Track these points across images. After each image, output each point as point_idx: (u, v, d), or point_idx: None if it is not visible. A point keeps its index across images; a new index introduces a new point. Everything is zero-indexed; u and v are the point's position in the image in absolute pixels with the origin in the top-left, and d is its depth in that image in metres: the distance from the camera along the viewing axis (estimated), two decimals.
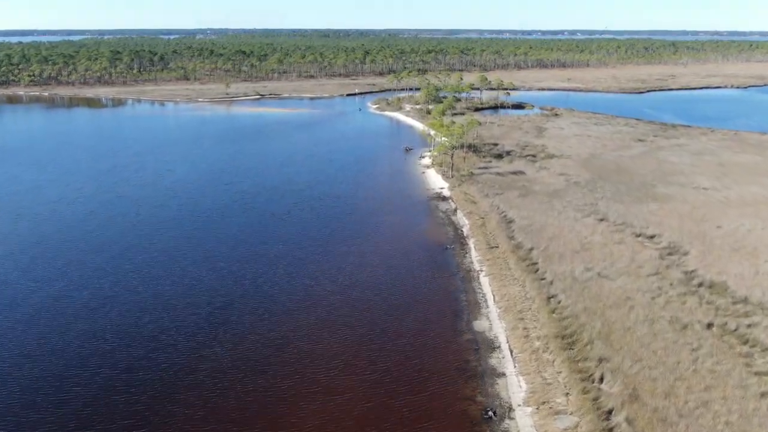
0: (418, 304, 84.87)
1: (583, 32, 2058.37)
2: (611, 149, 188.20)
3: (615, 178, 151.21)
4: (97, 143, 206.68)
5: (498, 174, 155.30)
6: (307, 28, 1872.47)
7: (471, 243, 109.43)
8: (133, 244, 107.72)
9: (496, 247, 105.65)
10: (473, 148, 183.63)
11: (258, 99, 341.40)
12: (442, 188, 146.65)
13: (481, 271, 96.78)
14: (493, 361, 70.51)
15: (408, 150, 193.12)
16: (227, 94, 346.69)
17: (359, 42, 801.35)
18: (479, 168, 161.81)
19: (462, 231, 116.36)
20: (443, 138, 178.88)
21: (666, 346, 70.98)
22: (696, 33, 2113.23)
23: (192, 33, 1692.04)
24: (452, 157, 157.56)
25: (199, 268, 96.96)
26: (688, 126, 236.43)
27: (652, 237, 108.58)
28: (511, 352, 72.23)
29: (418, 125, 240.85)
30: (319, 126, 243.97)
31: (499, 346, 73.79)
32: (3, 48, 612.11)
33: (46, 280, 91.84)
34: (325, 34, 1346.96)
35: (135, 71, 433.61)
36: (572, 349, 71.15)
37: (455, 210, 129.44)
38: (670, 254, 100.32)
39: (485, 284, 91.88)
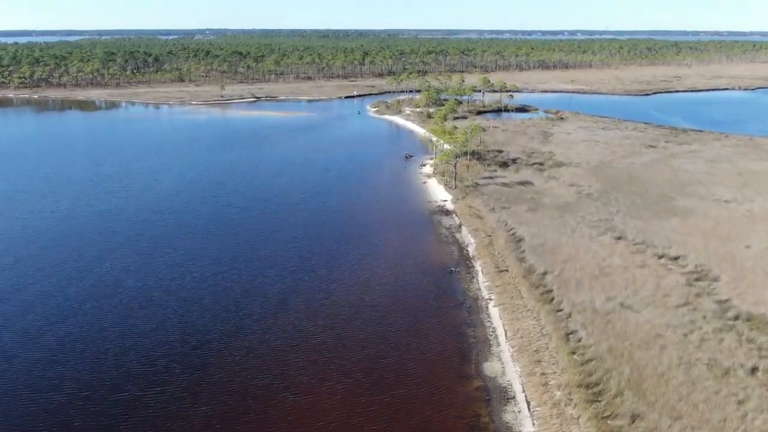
0: (421, 343, 75.16)
1: (583, 32, 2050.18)
2: (622, 156, 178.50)
3: (629, 188, 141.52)
4: (82, 150, 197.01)
5: (504, 185, 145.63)
6: (306, 29, 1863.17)
7: (478, 265, 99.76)
8: (102, 277, 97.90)
9: (506, 270, 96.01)
10: (477, 156, 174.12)
11: (254, 102, 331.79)
12: (444, 201, 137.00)
13: (490, 299, 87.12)
14: (507, 417, 60.93)
15: (408, 157, 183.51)
16: (222, 96, 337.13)
17: (358, 43, 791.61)
18: (484, 178, 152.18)
19: (467, 251, 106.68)
20: (445, 145, 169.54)
21: (707, 398, 61.39)
22: (696, 33, 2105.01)
23: (191, 33, 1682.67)
24: (455, 166, 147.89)
25: (170, 298, 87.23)
26: (700, 131, 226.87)
27: (676, 259, 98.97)
28: (529, 404, 62.63)
29: (419, 130, 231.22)
30: (316, 131, 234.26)
31: (514, 397, 64.19)
32: None
33: None
34: (324, 34, 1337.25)
35: (128, 73, 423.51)
36: (599, 402, 61.58)
37: (459, 226, 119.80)
38: (698, 280, 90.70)
39: (495, 316, 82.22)
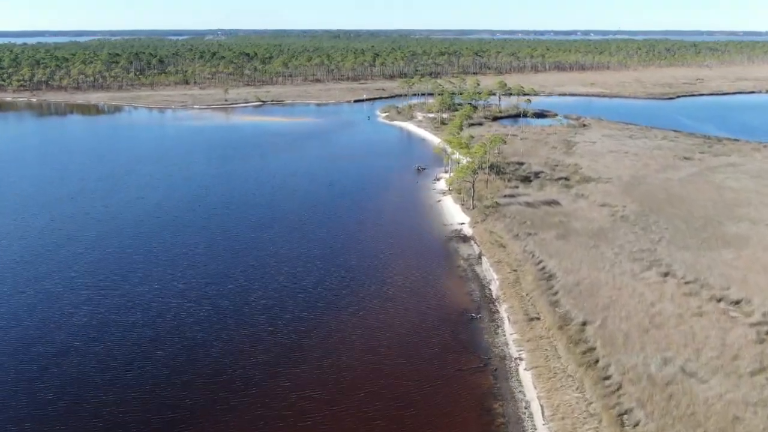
0: (438, 423, 60.18)
1: (596, 32, 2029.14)
2: (655, 170, 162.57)
3: (669, 210, 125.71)
4: (69, 160, 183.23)
5: (528, 204, 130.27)
6: (318, 29, 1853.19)
7: (503, 310, 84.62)
8: (53, 314, 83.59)
9: (537, 318, 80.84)
10: (496, 169, 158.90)
11: (259, 106, 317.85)
12: (462, 224, 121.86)
13: (521, 359, 72.02)
14: None
15: (420, 170, 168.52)
16: (226, 100, 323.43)
17: (369, 43, 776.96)
18: (505, 196, 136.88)
19: (490, 290, 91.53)
20: (461, 156, 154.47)
21: None
22: (711, 33, 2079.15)
23: (203, 34, 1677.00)
24: (473, 184, 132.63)
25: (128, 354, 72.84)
26: (736, 140, 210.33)
27: (737, 302, 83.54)
28: None
29: (432, 138, 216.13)
30: (322, 139, 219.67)
31: None
32: (1, 49, 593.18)
33: None
34: (335, 35, 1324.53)
35: (131, 75, 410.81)
36: None
37: (480, 256, 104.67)
38: None
39: (528, 384, 67.13)
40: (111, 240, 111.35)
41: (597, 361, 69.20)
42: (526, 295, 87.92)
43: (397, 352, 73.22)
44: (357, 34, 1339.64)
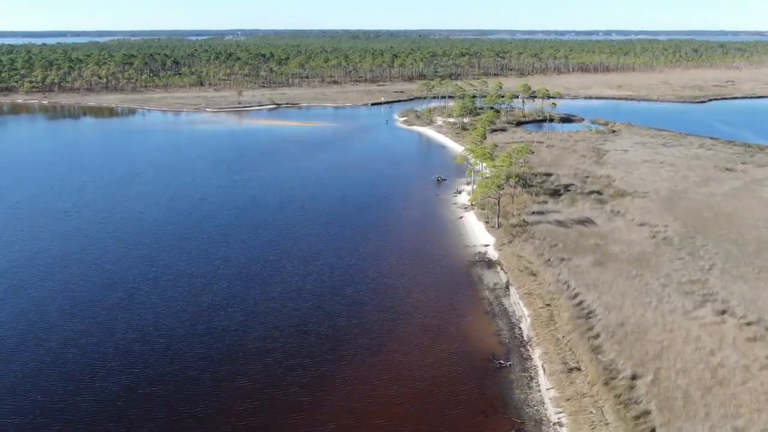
0: None
1: (618, 32, 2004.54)
2: (695, 183, 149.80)
3: (717, 231, 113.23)
4: (70, 169, 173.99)
5: (558, 223, 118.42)
6: (338, 29, 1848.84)
7: (537, 356, 73.15)
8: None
9: (578, 369, 69.30)
10: (522, 180, 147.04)
11: (273, 109, 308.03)
12: (486, 246, 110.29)
13: (560, 425, 60.55)
14: None
15: (440, 181, 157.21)
16: (239, 103, 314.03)
17: (388, 44, 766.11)
18: (533, 213, 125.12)
19: (520, 329, 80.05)
20: (484, 166, 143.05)
21: None
22: (737, 33, 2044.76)
23: (222, 34, 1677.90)
24: (499, 200, 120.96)
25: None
26: None
27: None
28: None
29: (452, 145, 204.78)
30: (337, 145, 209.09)
31: None
32: (19, 50, 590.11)
33: None
34: (355, 35, 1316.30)
35: (144, 77, 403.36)
36: None
37: (507, 286, 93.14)
38: None
39: None
40: (91, 269, 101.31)
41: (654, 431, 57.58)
42: (563, 337, 76.30)
43: (415, 412, 62.05)
44: (376, 35, 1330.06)
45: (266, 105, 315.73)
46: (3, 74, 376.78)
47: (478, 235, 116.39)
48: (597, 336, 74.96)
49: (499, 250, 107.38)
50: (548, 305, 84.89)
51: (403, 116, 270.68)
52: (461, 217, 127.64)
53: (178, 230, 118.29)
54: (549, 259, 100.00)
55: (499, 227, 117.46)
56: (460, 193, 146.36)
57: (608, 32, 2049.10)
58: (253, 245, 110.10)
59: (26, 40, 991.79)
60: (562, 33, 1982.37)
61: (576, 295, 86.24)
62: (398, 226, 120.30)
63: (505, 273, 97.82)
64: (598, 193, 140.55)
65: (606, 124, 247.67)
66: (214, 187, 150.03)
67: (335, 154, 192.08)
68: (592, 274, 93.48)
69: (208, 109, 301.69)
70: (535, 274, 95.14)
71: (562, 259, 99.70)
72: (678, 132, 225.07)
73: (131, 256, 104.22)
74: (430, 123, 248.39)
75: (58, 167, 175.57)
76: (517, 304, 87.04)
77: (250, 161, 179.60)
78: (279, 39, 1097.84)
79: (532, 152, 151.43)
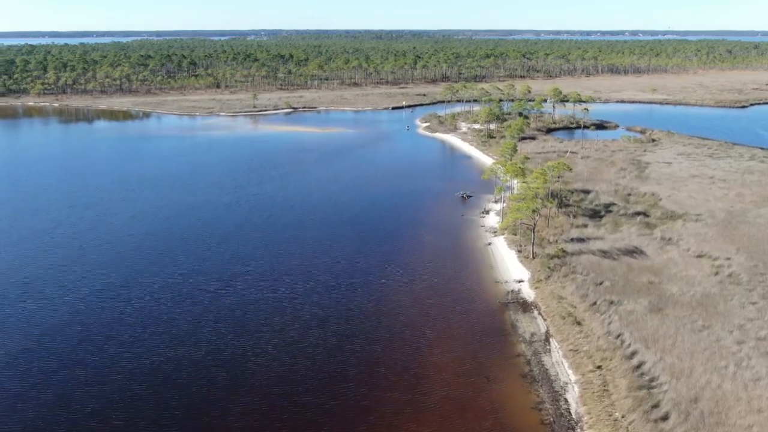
0: None
1: (644, 33, 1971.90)
2: (754, 202, 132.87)
3: None
4: (64, 179, 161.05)
5: (603, 253, 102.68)
6: (360, 29, 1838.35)
7: None
8: None
9: None
10: (557, 197, 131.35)
11: (289, 113, 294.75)
12: (520, 281, 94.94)
13: None
14: None
15: (465, 198, 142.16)
16: (254, 106, 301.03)
17: (410, 45, 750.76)
18: (572, 240, 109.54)
19: (566, 402, 64.72)
20: (514, 179, 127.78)
21: None
22: (767, 33, 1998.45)
23: (246, 34, 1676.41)
24: (534, 226, 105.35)
25: None
26: None
27: None
28: None
29: (478, 155, 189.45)
30: (354, 154, 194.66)
31: None
32: (39, 50, 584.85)
33: None
34: (377, 35, 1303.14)
35: (159, 78, 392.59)
36: None
37: (547, 338, 77.79)
38: None
39: None
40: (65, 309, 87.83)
41: None
42: (622, 417, 60.84)
43: None
44: (399, 35, 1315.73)
45: (282, 109, 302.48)
46: (16, 75, 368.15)
47: (510, 267, 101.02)
48: (666, 417, 59.49)
49: (536, 288, 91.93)
50: (599, 367, 69.44)
51: (425, 122, 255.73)
52: (489, 244, 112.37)
53: (171, 256, 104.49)
54: (595, 302, 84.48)
55: (534, 258, 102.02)
56: (487, 213, 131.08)
57: (635, 32, 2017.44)
58: (246, 287, 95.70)
59: (50, 41, 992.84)
60: (588, 33, 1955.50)
61: (633, 354, 70.78)
62: (418, 257, 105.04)
63: (544, 320, 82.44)
64: (644, 214, 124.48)
65: (643, 131, 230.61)
66: (214, 207, 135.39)
67: (351, 166, 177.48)
68: (650, 323, 77.82)
69: (221, 113, 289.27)
70: (580, 323, 79.64)
71: (611, 303, 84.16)
72: (723, 141, 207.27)
73: (113, 292, 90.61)
74: (453, 129, 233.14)
75: (45, 178, 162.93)
76: (560, 364, 71.67)
77: (259, 174, 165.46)
78: (300, 39, 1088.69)
79: (570, 169, 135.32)
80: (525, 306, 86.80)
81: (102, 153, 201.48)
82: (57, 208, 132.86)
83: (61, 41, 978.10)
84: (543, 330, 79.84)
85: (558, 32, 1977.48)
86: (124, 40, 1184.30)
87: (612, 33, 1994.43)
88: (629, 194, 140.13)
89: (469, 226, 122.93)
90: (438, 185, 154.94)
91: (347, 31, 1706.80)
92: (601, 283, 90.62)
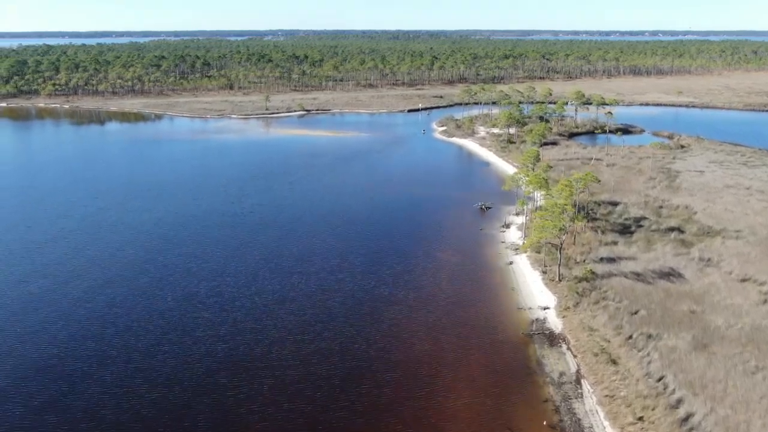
0: None
1: (664, 33, 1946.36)
2: None
3: None
4: (56, 189, 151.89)
5: (636, 276, 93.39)
6: (377, 29, 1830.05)
7: None
8: None
9: None
10: (583, 210, 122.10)
11: (302, 115, 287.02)
12: (545, 308, 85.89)
13: None
14: None
15: (484, 209, 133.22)
16: (267, 109, 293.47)
17: (427, 45, 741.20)
18: (601, 259, 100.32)
19: None
20: (540, 196, 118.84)
21: None
22: None
23: (263, 34, 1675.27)
24: (561, 246, 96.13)
25: None
26: None
27: None
28: None
29: (497, 162, 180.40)
30: (367, 160, 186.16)
31: None
32: (55, 50, 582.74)
33: None
34: (394, 35, 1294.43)
35: (171, 79, 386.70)
36: None
37: (577, 380, 68.78)
38: None
39: None
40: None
41: None
42: None
43: None
44: (416, 35, 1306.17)
45: (295, 111, 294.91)
46: (27, 76, 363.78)
47: (534, 291, 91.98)
48: None
49: (563, 316, 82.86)
50: (640, 419, 60.40)
51: (441, 125, 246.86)
52: (511, 263, 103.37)
53: (155, 284, 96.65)
54: (631, 336, 75.35)
55: (560, 281, 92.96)
56: (508, 227, 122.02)
57: (655, 32, 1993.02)
58: (240, 320, 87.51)
59: (68, 41, 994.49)
60: (607, 33, 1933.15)
61: (679, 403, 61.74)
62: (433, 278, 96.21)
63: (574, 356, 73.37)
64: (679, 230, 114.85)
65: (671, 136, 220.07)
66: (213, 218, 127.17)
67: (364, 173, 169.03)
68: (695, 364, 68.59)
69: (233, 116, 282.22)
70: (615, 361, 70.54)
71: (650, 337, 74.99)
72: (757, 148, 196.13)
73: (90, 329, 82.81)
74: (471, 134, 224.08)
75: (48, 188, 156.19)
76: (594, 413, 62.66)
77: (266, 182, 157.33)
78: (317, 40, 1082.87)
79: (599, 180, 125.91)
80: (552, 338, 77.79)
81: (103, 158, 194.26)
82: (52, 220, 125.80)
83: (79, 41, 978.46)
84: (573, 369, 70.82)
85: (576, 32, 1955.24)
86: (141, 40, 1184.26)
87: (631, 33, 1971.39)
88: (661, 207, 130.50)
89: (489, 241, 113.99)
90: (455, 195, 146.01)
91: (364, 32, 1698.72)
92: (636, 312, 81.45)
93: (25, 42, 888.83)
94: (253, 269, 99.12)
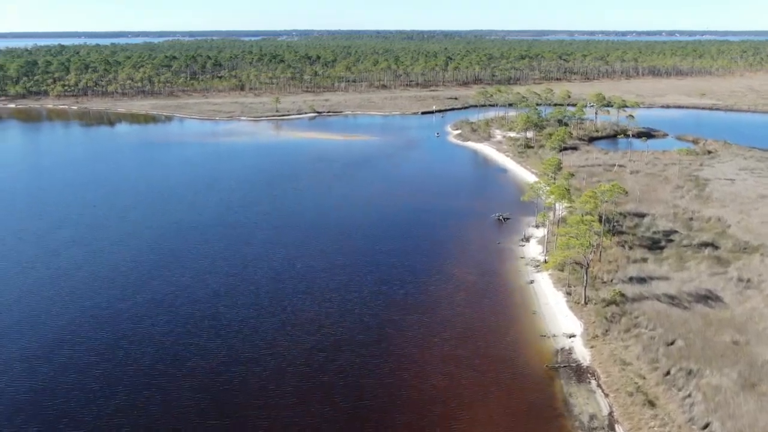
0: None
1: (682, 33, 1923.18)
2: None
3: None
4: (46, 203, 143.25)
5: (670, 300, 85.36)
6: (391, 29, 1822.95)
7: None
8: None
9: None
10: (608, 223, 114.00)
11: (313, 117, 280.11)
12: (571, 336, 78.10)
13: None
14: None
15: (502, 220, 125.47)
16: (277, 111, 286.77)
17: (442, 45, 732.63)
18: (630, 279, 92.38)
19: None
20: (562, 207, 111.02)
21: None
22: None
23: (277, 34, 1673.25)
24: (588, 266, 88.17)
25: None
26: None
27: None
28: None
29: (515, 168, 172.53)
30: (378, 166, 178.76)
31: None
32: (68, 51, 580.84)
33: None
34: (408, 35, 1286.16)
35: (182, 80, 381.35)
36: None
37: (611, 425, 61.11)
38: None
39: None
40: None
41: None
42: None
43: None
44: (430, 35, 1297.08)
45: (306, 113, 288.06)
46: (37, 77, 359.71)
47: (558, 314, 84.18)
48: None
49: (592, 346, 75.04)
50: None
51: (456, 128, 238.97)
52: (532, 282, 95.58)
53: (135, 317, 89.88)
54: (669, 372, 67.55)
55: (586, 303, 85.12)
56: (528, 240, 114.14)
57: (672, 32, 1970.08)
58: (224, 362, 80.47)
59: (83, 41, 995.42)
60: (624, 33, 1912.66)
61: None
62: (447, 300, 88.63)
63: (606, 395, 65.58)
64: (713, 245, 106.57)
65: (696, 141, 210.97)
66: (208, 233, 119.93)
67: (374, 179, 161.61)
68: (744, 408, 60.71)
69: (242, 118, 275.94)
70: (653, 403, 62.74)
71: (690, 373, 67.15)
72: None
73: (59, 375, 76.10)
74: (487, 138, 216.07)
75: (39, 200, 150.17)
76: None
77: (271, 190, 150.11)
78: (331, 40, 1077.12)
79: (627, 192, 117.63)
80: (580, 373, 70.01)
81: (109, 167, 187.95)
82: (49, 230, 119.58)
83: (94, 42, 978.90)
84: (605, 411, 63.06)
85: (593, 32, 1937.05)
86: (156, 40, 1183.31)
87: (648, 33, 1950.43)
88: (691, 219, 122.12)
89: (507, 256, 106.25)
90: (470, 204, 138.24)
91: (379, 32, 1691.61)
92: (672, 343, 73.57)
93: (41, 42, 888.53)
94: (255, 289, 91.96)
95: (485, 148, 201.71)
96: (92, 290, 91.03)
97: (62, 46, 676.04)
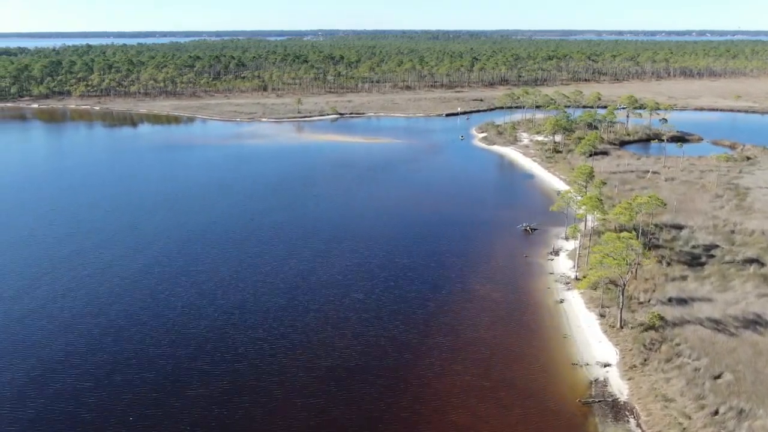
0: None
1: (712, 33, 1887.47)
2: None
3: None
4: (43, 216, 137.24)
5: (714, 324, 78.19)
6: (417, 29, 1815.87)
7: None
8: None
9: None
10: (644, 236, 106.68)
11: (335, 119, 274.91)
12: (606, 365, 71.37)
13: None
14: None
15: (529, 231, 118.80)
16: (299, 112, 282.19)
17: (467, 46, 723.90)
18: (669, 300, 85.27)
19: None
20: (589, 212, 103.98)
21: None
22: None
23: (303, 34, 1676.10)
24: (624, 286, 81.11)
25: None
26: None
27: None
28: None
29: (543, 174, 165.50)
30: (399, 171, 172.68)
31: None
32: (95, 50, 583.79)
33: None
34: (434, 35, 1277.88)
35: (204, 80, 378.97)
36: None
37: None
38: None
39: None
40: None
41: None
42: None
43: None
44: (456, 35, 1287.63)
45: (327, 115, 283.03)
46: (60, 77, 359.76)
47: (591, 340, 77.41)
48: None
49: (629, 378, 68.28)
50: None
51: (481, 131, 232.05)
52: (562, 301, 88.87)
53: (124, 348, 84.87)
54: (717, 412, 60.55)
55: (622, 327, 78.31)
56: (557, 254, 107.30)
57: (702, 32, 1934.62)
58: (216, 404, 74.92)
59: (111, 41, 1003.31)
60: (653, 33, 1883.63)
61: None
62: (469, 322, 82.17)
63: None
64: (759, 262, 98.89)
65: (733, 146, 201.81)
66: (204, 246, 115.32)
67: (394, 185, 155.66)
68: None
69: (263, 119, 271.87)
70: None
71: (741, 413, 60.20)
72: None
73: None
74: (514, 141, 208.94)
75: (40, 211, 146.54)
76: None
77: (286, 198, 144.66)
78: (356, 40, 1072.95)
79: (665, 204, 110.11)
80: (617, 410, 63.31)
81: (123, 170, 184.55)
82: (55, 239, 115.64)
83: (121, 41, 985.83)
84: None
85: (621, 32, 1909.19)
86: (183, 40, 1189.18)
87: (678, 33, 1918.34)
88: (732, 231, 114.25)
89: (535, 272, 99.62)
90: (495, 213, 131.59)
91: (404, 32, 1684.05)
92: (719, 376, 66.61)
93: (70, 42, 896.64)
94: (265, 305, 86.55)
95: (511, 153, 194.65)
96: (92, 312, 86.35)
97: (89, 46, 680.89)
